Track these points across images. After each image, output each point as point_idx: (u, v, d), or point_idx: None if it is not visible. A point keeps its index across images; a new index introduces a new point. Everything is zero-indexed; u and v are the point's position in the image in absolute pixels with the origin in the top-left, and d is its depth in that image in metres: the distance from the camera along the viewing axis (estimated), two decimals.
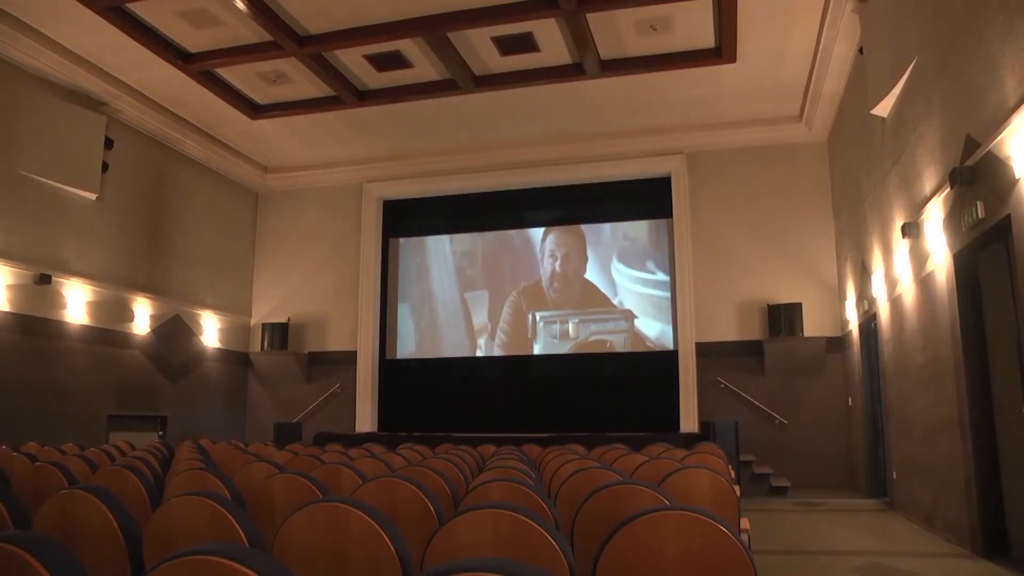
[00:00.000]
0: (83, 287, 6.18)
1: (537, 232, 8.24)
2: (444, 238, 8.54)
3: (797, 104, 6.98)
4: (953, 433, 3.75)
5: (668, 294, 7.72)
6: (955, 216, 3.60)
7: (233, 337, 8.19)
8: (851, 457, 6.56)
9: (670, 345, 7.61)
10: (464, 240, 8.50)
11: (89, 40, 5.73)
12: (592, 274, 7.95)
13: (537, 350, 7.92)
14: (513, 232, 8.34)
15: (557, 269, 8.04)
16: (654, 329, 7.72)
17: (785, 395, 6.99)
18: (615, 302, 7.81)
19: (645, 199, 8.04)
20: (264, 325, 8.23)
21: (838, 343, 6.90)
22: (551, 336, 7.91)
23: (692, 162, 7.65)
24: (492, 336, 8.09)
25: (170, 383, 7.13)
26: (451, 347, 8.17)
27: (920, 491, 4.40)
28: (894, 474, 5.02)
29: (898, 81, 4.30)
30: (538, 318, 7.97)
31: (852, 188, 6.18)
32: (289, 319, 8.33)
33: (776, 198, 7.35)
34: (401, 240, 8.70)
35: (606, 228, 8.06)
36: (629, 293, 7.78)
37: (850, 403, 6.58)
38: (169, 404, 7.07)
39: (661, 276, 7.79)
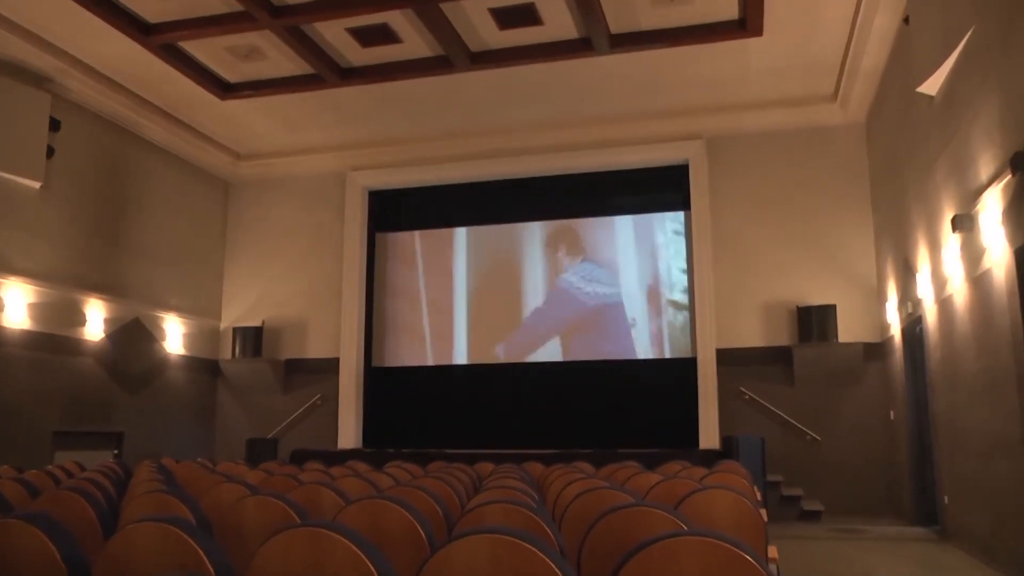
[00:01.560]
0: (25, 287, 6.12)
1: (540, 226, 8.26)
2: (437, 233, 8.55)
3: (831, 82, 6.98)
4: (1016, 451, 3.68)
5: (685, 295, 7.74)
6: (1017, 207, 3.54)
7: (200, 343, 8.20)
8: (894, 478, 6.56)
9: (688, 352, 7.62)
10: (459, 235, 8.52)
11: (32, 7, 5.64)
12: (601, 273, 7.97)
13: (540, 357, 7.95)
14: (513, 226, 8.35)
15: (562, 267, 8.05)
16: (670, 334, 7.74)
17: (817, 407, 7.00)
18: (626, 303, 7.83)
19: (660, 189, 8.05)
20: (235, 329, 8.25)
21: (877, 350, 6.91)
22: (556, 341, 7.94)
23: (712, 148, 7.67)
24: (490, 342, 8.12)
25: (128, 395, 7.13)
26: (444, 354, 8.20)
27: (977, 518, 4.34)
28: (945, 498, 4.95)
29: (950, 54, 4.25)
30: (541, 321, 7.98)
31: (894, 176, 6.17)
32: (263, 323, 8.36)
33: (807, 187, 7.37)
34: (389, 235, 8.73)
35: (616, 222, 8.08)
36: (642, 293, 7.79)
37: (892, 417, 6.58)
38: (126, 419, 7.04)
39: (677, 275, 7.80)
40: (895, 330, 6.33)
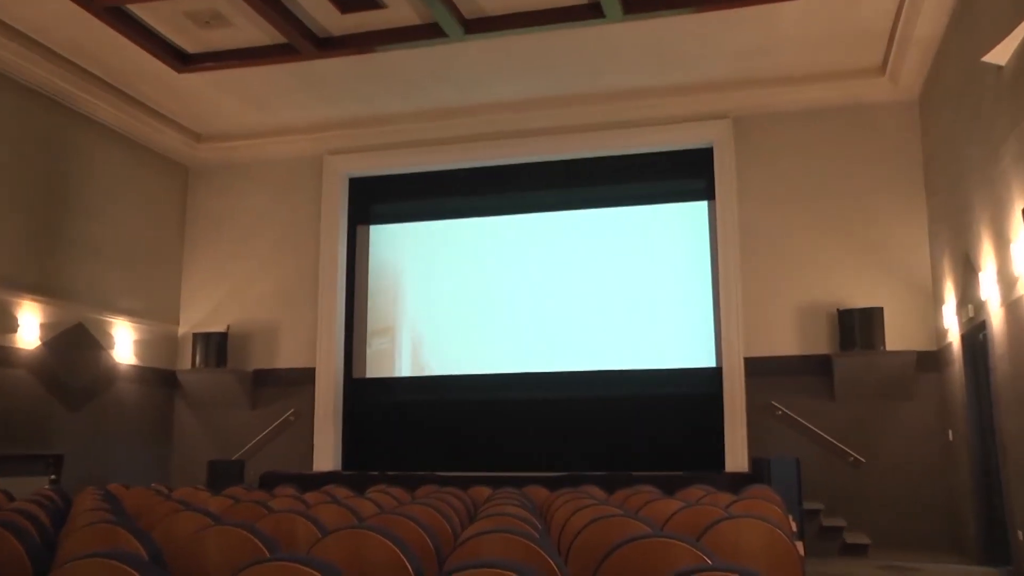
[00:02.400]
0: None
1: (544, 218, 8.29)
2: (427, 226, 8.58)
3: (879, 52, 6.98)
4: None
5: (709, 296, 7.75)
6: None
7: (155, 351, 8.22)
8: (954, 508, 6.52)
9: (712, 361, 7.64)
10: (452, 229, 8.54)
11: None
12: (612, 271, 8.00)
13: (544, 367, 7.96)
14: (513, 218, 8.38)
15: (569, 264, 8.09)
16: (692, 341, 7.75)
17: (862, 425, 7.01)
18: (641, 306, 7.86)
19: (680, 176, 8.07)
20: (196, 336, 8.26)
21: (932, 359, 6.90)
22: (562, 349, 7.95)
23: (740, 129, 7.69)
24: (487, 349, 8.13)
25: (68, 411, 7.10)
26: (435, 363, 8.24)
27: None
28: (1020, 534, 4.86)
29: (1023, 18, 4.22)
30: (546, 326, 7.99)
31: (952, 160, 6.16)
32: (228, 328, 8.37)
33: (849, 173, 7.38)
34: (372, 228, 8.76)
35: (630, 214, 8.11)
36: (660, 295, 7.83)
37: (950, 437, 6.56)
38: (66, 439, 7.00)
39: (699, 274, 7.82)
40: (953, 337, 6.31)
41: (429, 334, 8.33)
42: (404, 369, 8.36)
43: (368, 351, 8.46)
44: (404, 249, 8.59)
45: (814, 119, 7.52)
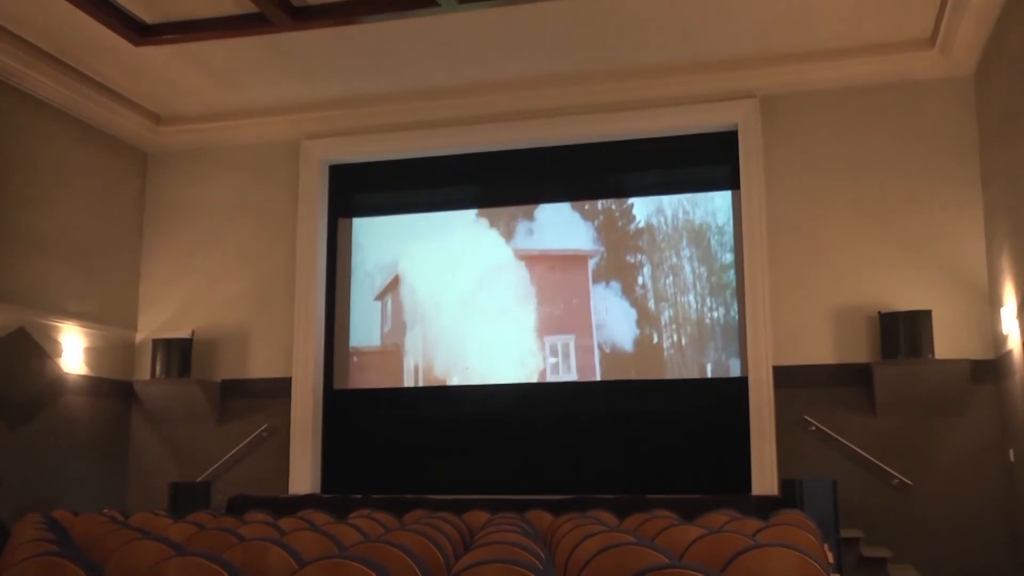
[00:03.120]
0: None
1: (547, 210, 8.31)
2: (417, 219, 8.58)
3: (928, 21, 6.93)
4: None
5: (733, 298, 7.76)
6: None
7: (109, 359, 8.19)
8: (1016, 538, 6.47)
9: (736, 371, 7.64)
10: (444, 222, 8.53)
11: None
12: (625, 270, 8.01)
13: (547, 376, 7.98)
14: (512, 210, 8.38)
15: (577, 261, 8.15)
16: (713, 347, 7.76)
17: (908, 443, 6.99)
18: (656, 308, 7.88)
19: (700, 163, 8.06)
20: (156, 342, 8.25)
21: (989, 369, 6.85)
22: (566, 357, 7.97)
23: (768, 109, 7.67)
24: (484, 358, 8.15)
25: (7, 429, 7.04)
26: (427, 374, 8.24)
27: None
28: None
29: None
30: (550, 332, 8.02)
31: (1013, 143, 6.10)
32: (193, 333, 8.36)
33: (893, 159, 7.35)
34: (355, 221, 8.76)
35: (644, 205, 8.10)
36: (678, 296, 7.85)
37: (1011, 457, 6.51)
38: (5, 460, 6.95)
39: (722, 272, 7.84)
40: (1014, 344, 6.25)
41: (420, 340, 8.32)
42: (391, 379, 8.35)
43: (351, 359, 8.46)
44: (391, 244, 8.59)
45: (852, 98, 7.49)
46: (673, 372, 7.79)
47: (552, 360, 8.03)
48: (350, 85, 7.98)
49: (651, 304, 7.93)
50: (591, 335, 8.00)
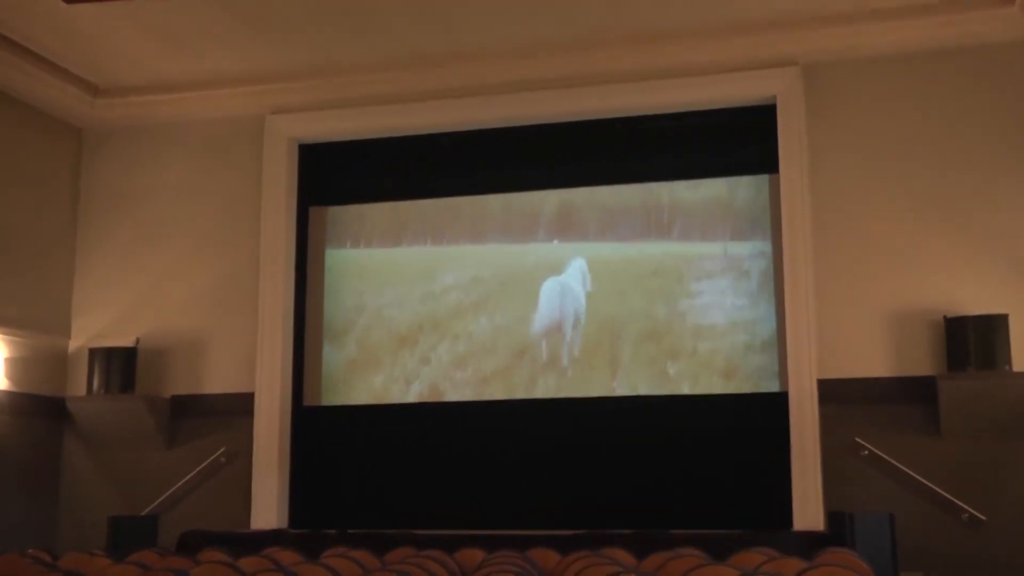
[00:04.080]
0: None
1: (551, 197, 8.08)
2: (400, 208, 8.37)
3: None
4: None
5: (770, 301, 7.46)
6: None
7: (37, 372, 7.93)
8: None
9: (774, 385, 7.35)
10: (433, 211, 8.30)
11: None
12: (642, 267, 7.76)
13: (552, 392, 7.75)
14: (511, 197, 8.18)
15: (587, 258, 7.85)
16: (747, 357, 7.48)
17: (979, 471, 6.68)
18: (680, 312, 7.62)
19: (732, 142, 7.84)
20: (94, 352, 7.95)
21: None
22: (575, 368, 7.72)
23: (812, 79, 7.38)
24: (480, 369, 7.92)
25: None
26: (413, 386, 8.00)
27: None
28: None
29: None
30: (555, 340, 7.78)
31: None
32: (138, 341, 8.04)
33: (961, 139, 7.05)
34: (330, 211, 8.51)
35: (665, 192, 7.84)
36: (704, 298, 7.59)
37: None
38: None
39: (757, 271, 7.54)
40: None
41: (405, 348, 8.08)
42: (372, 395, 8.09)
43: (325, 371, 8.19)
44: (372, 237, 8.37)
45: (912, 66, 7.19)
46: (699, 386, 7.52)
47: (561, 372, 7.77)
48: (323, 51, 7.70)
49: (674, 303, 7.63)
50: (605, 344, 7.72)
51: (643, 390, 7.55)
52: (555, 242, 8.03)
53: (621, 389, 7.61)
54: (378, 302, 8.22)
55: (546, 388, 7.74)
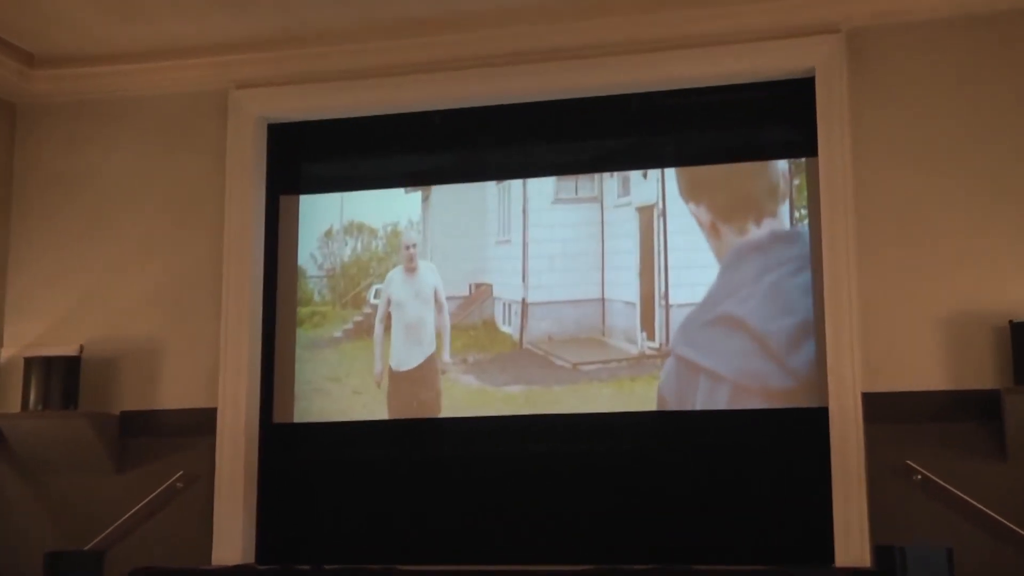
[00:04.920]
0: None
1: (556, 184, 7.85)
2: (383, 196, 8.12)
3: None
4: None
5: (808, 301, 7.17)
6: None
7: None
8: None
9: (812, 399, 7.05)
10: (420, 200, 8.06)
11: None
12: (661, 263, 7.54)
13: (557, 407, 7.50)
14: (509, 185, 7.94)
15: (596, 254, 7.63)
16: (781, 368, 7.19)
17: None
18: (702, 318, 7.37)
19: (765, 121, 7.61)
20: (30, 362, 7.63)
21: None
22: (585, 381, 7.50)
23: (857, 48, 7.09)
24: (476, 381, 7.69)
25: None
26: (399, 401, 7.76)
27: None
28: None
29: None
30: (563, 347, 7.55)
31: None
32: (82, 349, 7.70)
33: None
34: (303, 199, 8.22)
35: (689, 177, 7.58)
36: (731, 301, 7.33)
37: None
38: None
39: (791, 268, 7.28)
40: None
41: (391, 359, 7.82)
42: (352, 410, 7.82)
43: (298, 383, 7.92)
44: (349, 230, 8.12)
45: (973, 31, 6.87)
46: (726, 400, 7.22)
47: (574, 384, 7.55)
48: (296, 15, 7.41)
49: (696, 306, 7.36)
50: (618, 352, 7.52)
51: (665, 405, 7.29)
52: (567, 235, 7.77)
53: (640, 403, 7.33)
54: (361, 308, 8.03)
55: (554, 403, 7.51)
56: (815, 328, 7.07)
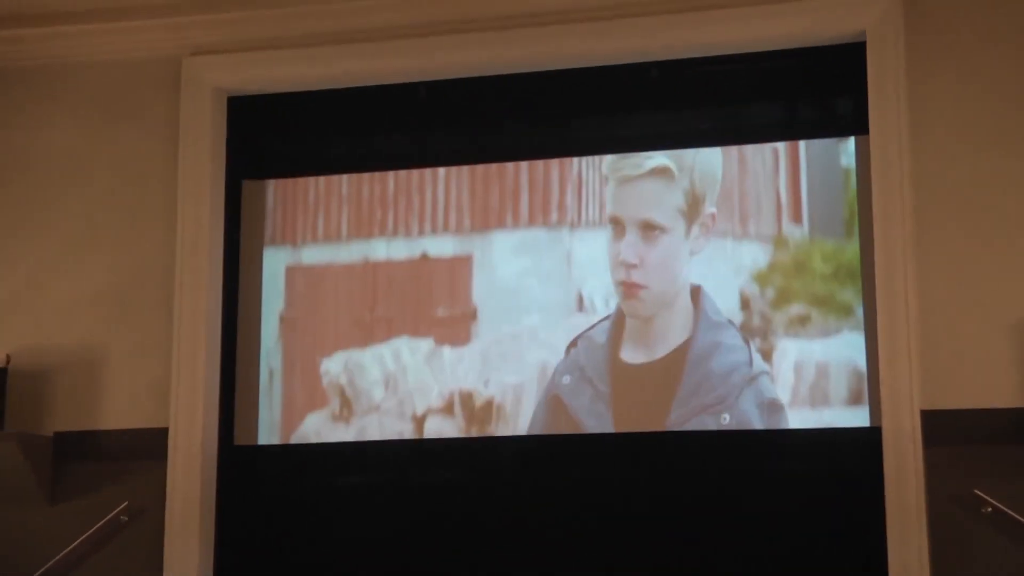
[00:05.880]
0: None
1: (561, 167, 7.58)
2: (362, 180, 7.85)
3: None
4: None
5: (857, 302, 6.93)
6: None
7: None
8: None
9: (863, 419, 6.80)
10: (408, 184, 7.77)
11: None
12: (685, 260, 7.23)
13: (571, 425, 7.23)
14: (504, 168, 7.68)
15: (608, 251, 7.31)
16: (825, 380, 6.94)
17: None
18: (735, 322, 7.11)
19: (805, 95, 7.36)
20: None
21: None
22: (601, 398, 7.15)
23: (914, 8, 6.83)
24: (472, 395, 7.41)
25: None
26: (383, 419, 7.49)
27: None
28: None
29: None
30: (575, 358, 7.27)
31: None
32: (9, 360, 7.42)
33: None
34: (270, 185, 7.96)
35: (716, 159, 7.28)
36: (769, 304, 7.11)
37: None
38: None
39: (839, 266, 7.04)
40: None
41: (372, 367, 7.57)
42: (326, 430, 7.52)
43: (263, 399, 7.64)
44: (323, 219, 7.85)
45: None
46: (761, 420, 6.92)
47: (584, 402, 7.21)
48: None
49: (722, 315, 7.11)
50: (640, 363, 7.20)
51: (693, 424, 7.02)
52: (574, 229, 7.54)
53: (665, 423, 7.05)
54: (336, 313, 7.77)
55: (563, 421, 7.18)
56: (865, 335, 6.78)
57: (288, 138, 7.94)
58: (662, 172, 7.23)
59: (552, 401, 7.21)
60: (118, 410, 7.31)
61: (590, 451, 7.14)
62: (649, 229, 7.20)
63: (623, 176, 7.38)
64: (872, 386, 6.66)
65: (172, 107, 7.56)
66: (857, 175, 6.93)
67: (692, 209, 7.21)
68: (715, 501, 6.95)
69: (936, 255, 6.55)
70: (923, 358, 6.45)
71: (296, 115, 7.84)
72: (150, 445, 7.21)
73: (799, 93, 7.24)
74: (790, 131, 7.17)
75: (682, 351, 7.02)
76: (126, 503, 7.14)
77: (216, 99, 7.58)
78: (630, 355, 7.20)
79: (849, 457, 6.69)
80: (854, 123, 6.92)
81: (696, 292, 7.10)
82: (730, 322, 7.06)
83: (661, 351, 7.13)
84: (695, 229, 7.15)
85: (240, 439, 7.47)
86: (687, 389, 6.98)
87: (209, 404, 7.30)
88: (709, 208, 7.10)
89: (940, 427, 6.38)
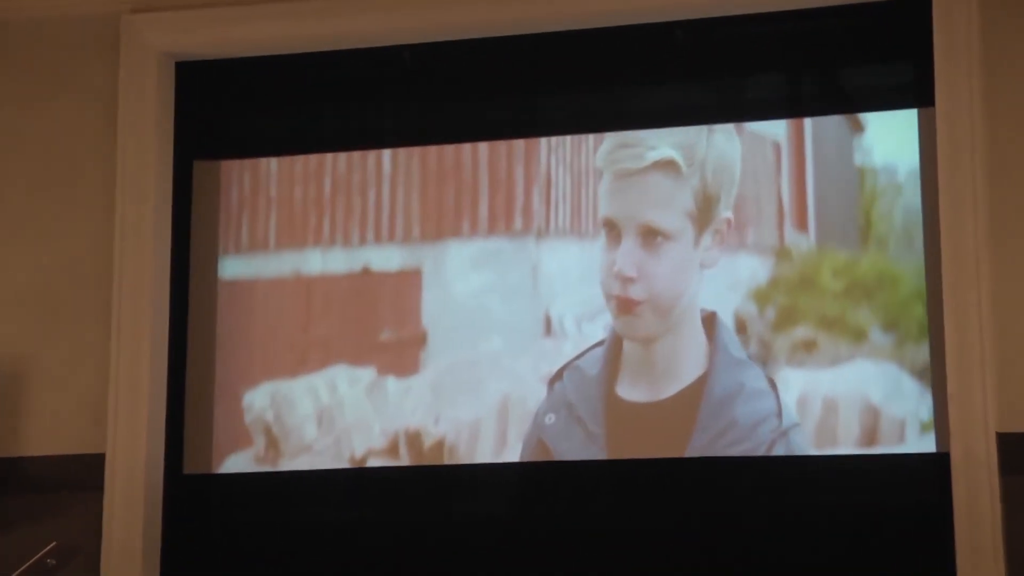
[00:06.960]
0: None
1: (562, 147, 7.31)
2: (339, 161, 7.60)
3: None
4: None
5: (921, 308, 6.66)
6: None
7: None
8: None
9: (928, 443, 6.57)
10: (389, 164, 7.48)
11: None
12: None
13: (582, 450, 6.96)
14: (497, 146, 7.46)
15: (618, 248, 7.00)
16: (881, 397, 6.66)
17: None
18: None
19: (856, 61, 7.07)
20: None
21: None
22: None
23: None
24: (469, 410, 7.13)
25: None
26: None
27: None
28: None
29: None
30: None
31: None
32: None
33: None
34: (223, 166, 7.71)
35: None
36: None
37: None
38: None
39: (899, 255, 6.78)
40: None
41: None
42: (292, 456, 7.25)
43: (216, 420, 7.35)
44: (288, 207, 7.60)
45: None
46: (804, 445, 6.73)
47: (594, 422, 6.96)
48: None
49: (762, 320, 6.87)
50: (657, 382, 6.98)
51: (719, 451, 6.70)
52: (581, 222, 7.33)
53: (685, 448, 6.74)
54: (307, 314, 7.53)
55: (571, 445, 6.90)
56: (931, 346, 6.47)
57: (247, 112, 7.61)
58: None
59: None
60: (45, 433, 6.98)
61: (606, 480, 6.75)
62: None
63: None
64: (938, 406, 6.35)
65: (110, 74, 7.21)
66: (920, 157, 6.54)
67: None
68: (762, 536, 6.62)
69: (1014, 253, 6.22)
70: (999, 374, 6.16)
71: (256, 85, 7.52)
72: (84, 474, 6.87)
73: (850, 58, 6.89)
74: (838, 103, 6.85)
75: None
76: (55, 543, 6.75)
77: (162, 65, 7.21)
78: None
79: (914, 486, 6.40)
80: (915, 94, 6.57)
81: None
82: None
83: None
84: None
85: (190, 467, 7.12)
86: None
87: (154, 426, 6.95)
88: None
89: (1019, 452, 6.07)
